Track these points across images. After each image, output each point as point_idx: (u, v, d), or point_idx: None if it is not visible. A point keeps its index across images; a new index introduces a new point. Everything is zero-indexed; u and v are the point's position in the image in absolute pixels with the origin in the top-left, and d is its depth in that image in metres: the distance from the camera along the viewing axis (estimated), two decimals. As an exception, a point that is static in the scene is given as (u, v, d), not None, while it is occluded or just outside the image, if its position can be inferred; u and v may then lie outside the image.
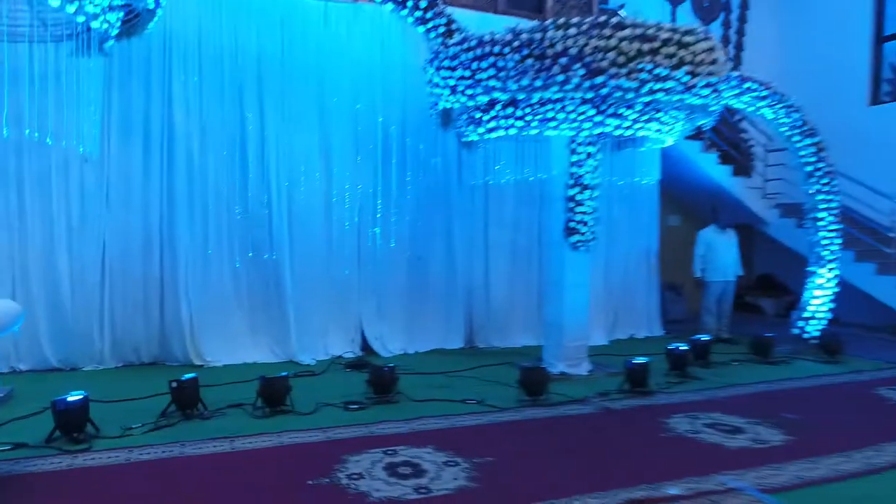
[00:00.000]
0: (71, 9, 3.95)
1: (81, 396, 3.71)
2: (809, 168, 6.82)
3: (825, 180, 6.79)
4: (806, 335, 6.83)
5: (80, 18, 4.14)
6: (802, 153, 6.81)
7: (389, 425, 4.06)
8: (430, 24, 5.25)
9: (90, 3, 4.03)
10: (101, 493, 3.01)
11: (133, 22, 4.82)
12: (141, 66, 5.56)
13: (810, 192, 6.89)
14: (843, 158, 8.60)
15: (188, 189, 5.63)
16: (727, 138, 9.15)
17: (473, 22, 6.56)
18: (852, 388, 5.33)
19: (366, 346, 6.29)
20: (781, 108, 6.56)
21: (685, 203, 9.40)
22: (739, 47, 9.83)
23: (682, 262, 7.90)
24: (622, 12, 7.26)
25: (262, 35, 5.96)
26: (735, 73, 6.36)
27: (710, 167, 8.42)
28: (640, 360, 5.12)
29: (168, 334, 5.59)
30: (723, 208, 7.65)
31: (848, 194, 8.11)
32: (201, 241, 5.67)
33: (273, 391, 4.29)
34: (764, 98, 6.47)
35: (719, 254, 7.22)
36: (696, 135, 8.18)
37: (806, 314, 6.89)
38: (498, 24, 6.56)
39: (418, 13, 5.22)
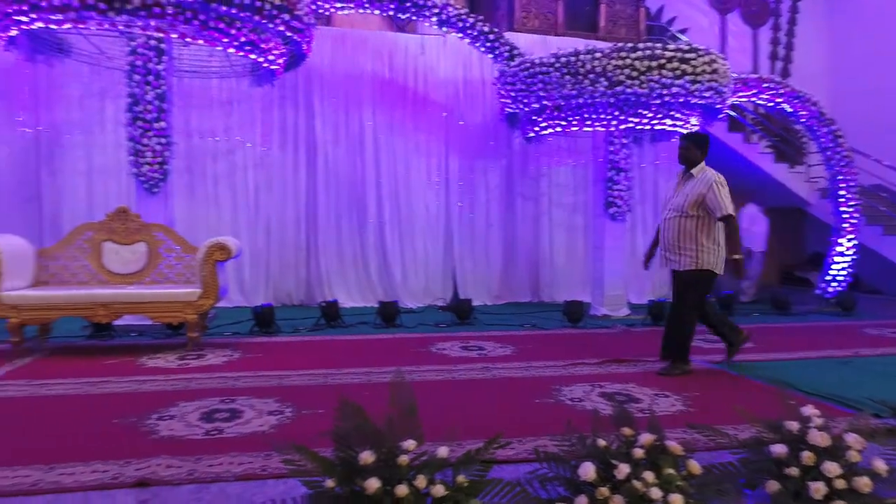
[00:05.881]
0: (261, 58, 6.07)
1: (270, 304, 5.83)
2: (828, 153, 7.97)
3: (843, 163, 7.91)
4: (827, 295, 7.97)
5: (264, 64, 6.26)
6: (822, 140, 7.97)
7: (466, 333, 5.90)
8: (497, 52, 7.07)
9: (271, 53, 6.15)
10: (289, 349, 5.04)
11: (291, 62, 6.97)
12: (291, 92, 7.76)
13: (831, 173, 8.04)
14: (892, 144, 9.53)
15: (325, 179, 7.77)
16: (777, 132, 10.26)
17: (537, 44, 8.32)
18: (842, 328, 6.54)
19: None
20: (798, 102, 7.77)
21: (735, 188, 10.53)
22: (790, 48, 10.86)
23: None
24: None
25: (375, 63, 8.00)
26: (754, 76, 7.64)
27: (753, 155, 9.59)
28: (661, 300, 6.66)
29: (311, 283, 7.76)
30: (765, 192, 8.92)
31: (879, 177, 9.11)
32: (335, 217, 7.79)
33: (388, 312, 6.26)
34: (781, 94, 7.71)
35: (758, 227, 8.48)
36: (736, 127, 9.46)
37: (827, 277, 8.03)
38: (558, 45, 8.31)
39: (488, 44, 7.05)
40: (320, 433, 2.13)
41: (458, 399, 3.61)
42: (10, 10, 4.93)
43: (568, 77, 6.22)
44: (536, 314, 7.24)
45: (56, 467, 2.40)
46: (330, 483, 1.89)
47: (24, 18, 4.96)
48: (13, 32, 5.18)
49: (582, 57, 6.15)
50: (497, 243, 8.39)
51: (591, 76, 6.10)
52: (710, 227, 4.22)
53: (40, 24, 5.04)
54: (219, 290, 4.84)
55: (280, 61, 6.51)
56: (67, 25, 5.10)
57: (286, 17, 5.55)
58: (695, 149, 4.31)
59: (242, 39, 5.63)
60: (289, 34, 5.92)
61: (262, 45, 5.84)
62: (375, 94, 7.95)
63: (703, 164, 4.32)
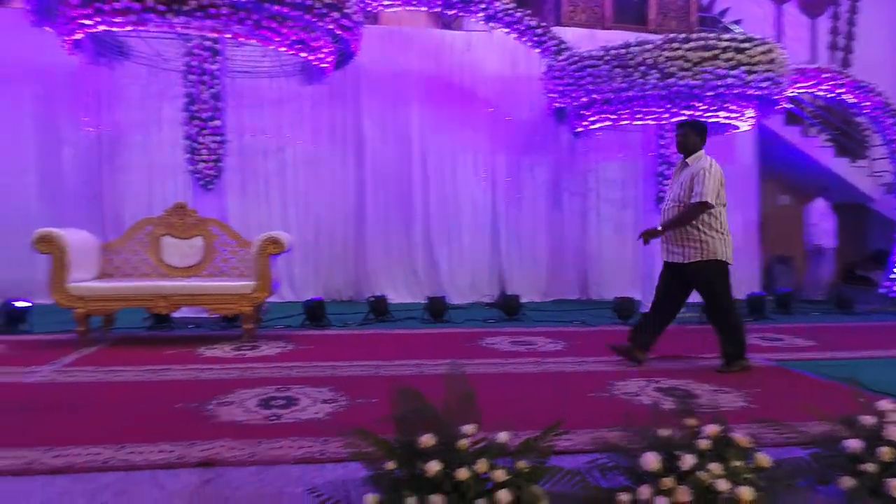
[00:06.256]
0: (311, 56, 6.16)
1: (321, 298, 5.92)
2: (894, 145, 7.62)
3: (909, 155, 7.56)
4: (892, 294, 7.62)
5: (314, 62, 6.36)
6: (887, 132, 7.62)
7: (514, 329, 5.86)
8: (544, 46, 7.00)
9: (320, 51, 6.24)
10: (340, 342, 5.11)
11: (340, 60, 7.06)
12: (339, 89, 7.86)
13: (896, 166, 7.69)
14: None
15: (373, 176, 7.86)
16: (837, 125, 9.83)
17: (584, 38, 8.21)
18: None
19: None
20: (861, 92, 7.45)
21: (793, 184, 10.18)
22: (850, 37, 10.42)
23: (792, 237, 8.92)
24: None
25: (422, 60, 8.05)
26: (813, 66, 7.36)
27: (812, 149, 9.24)
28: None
29: (359, 279, 7.85)
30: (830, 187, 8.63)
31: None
32: (382, 213, 7.87)
33: (436, 307, 6.28)
34: (843, 85, 7.41)
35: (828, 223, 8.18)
36: (794, 120, 9.13)
37: (892, 276, 7.67)
38: (606, 38, 8.18)
39: (536, 38, 7.00)
40: (376, 420, 2.15)
41: (511, 392, 3.58)
42: (76, 14, 5.15)
43: (618, 70, 6.13)
44: (585, 311, 7.15)
45: (125, 447, 2.49)
46: (390, 465, 1.90)
47: (88, 22, 5.17)
48: (78, 36, 5.40)
49: (632, 49, 6.05)
50: (544, 240, 8.33)
51: (642, 68, 6.00)
52: (713, 215, 3.98)
53: (104, 28, 5.25)
54: (272, 283, 4.94)
55: (329, 60, 6.60)
56: (129, 28, 5.29)
57: (336, 15, 5.62)
58: (694, 135, 4.11)
59: (293, 38, 5.73)
60: (338, 32, 6.00)
61: (312, 44, 5.93)
62: (422, 91, 7.99)
63: (701, 152, 4.10)
